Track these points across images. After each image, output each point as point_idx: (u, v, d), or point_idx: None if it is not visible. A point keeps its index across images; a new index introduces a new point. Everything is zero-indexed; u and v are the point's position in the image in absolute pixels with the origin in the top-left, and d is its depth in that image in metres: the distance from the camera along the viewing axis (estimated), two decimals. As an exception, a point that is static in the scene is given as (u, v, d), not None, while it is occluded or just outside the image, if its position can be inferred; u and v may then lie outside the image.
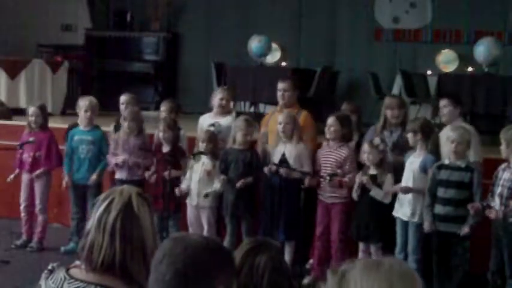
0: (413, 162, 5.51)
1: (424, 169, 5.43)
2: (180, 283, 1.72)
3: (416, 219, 5.44)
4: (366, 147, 5.65)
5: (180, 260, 1.74)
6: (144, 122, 6.82)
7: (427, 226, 5.34)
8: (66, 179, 6.75)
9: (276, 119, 6.50)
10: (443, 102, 5.97)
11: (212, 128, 6.49)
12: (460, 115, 6.06)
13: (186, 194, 6.25)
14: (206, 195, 6.08)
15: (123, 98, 7.09)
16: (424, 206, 5.39)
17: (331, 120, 5.93)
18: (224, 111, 6.68)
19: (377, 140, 5.66)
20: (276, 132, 6.11)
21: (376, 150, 5.59)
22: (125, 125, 6.51)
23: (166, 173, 6.08)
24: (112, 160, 6.53)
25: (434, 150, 5.51)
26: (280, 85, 6.53)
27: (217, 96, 6.74)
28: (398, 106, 5.97)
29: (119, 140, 6.55)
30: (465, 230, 5.20)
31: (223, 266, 1.80)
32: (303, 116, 6.39)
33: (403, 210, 5.51)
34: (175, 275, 1.72)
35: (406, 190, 5.48)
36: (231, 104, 6.86)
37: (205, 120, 6.73)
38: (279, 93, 6.51)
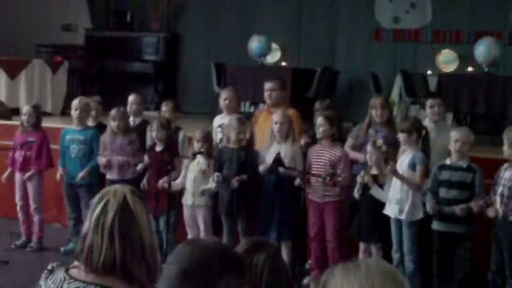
0: (403, 161, 5.52)
1: (412, 166, 5.43)
2: (183, 281, 1.73)
3: (404, 216, 5.43)
4: (368, 147, 5.65)
5: (186, 260, 1.76)
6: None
7: (429, 208, 5.34)
8: (60, 171, 6.75)
9: (264, 118, 6.56)
10: (436, 102, 6.04)
11: (219, 129, 6.52)
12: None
13: (181, 193, 6.24)
14: (202, 193, 6.08)
15: (131, 98, 7.10)
16: (427, 193, 5.38)
17: (320, 119, 5.94)
18: (230, 111, 6.69)
19: (380, 141, 5.67)
20: (266, 132, 6.14)
21: (379, 151, 5.59)
22: (113, 124, 6.50)
23: (162, 180, 6.12)
24: (100, 159, 6.54)
25: (425, 149, 5.53)
26: (267, 85, 6.67)
27: (221, 97, 6.79)
28: (381, 106, 6.03)
29: (106, 140, 6.55)
30: (462, 206, 5.19)
31: (230, 270, 1.79)
32: (291, 114, 6.43)
33: (391, 207, 5.51)
34: (180, 273, 1.74)
35: (395, 173, 5.46)
36: (236, 103, 6.86)
37: (216, 121, 6.79)
38: (266, 93, 6.65)
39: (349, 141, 6.13)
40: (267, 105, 6.74)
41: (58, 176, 6.79)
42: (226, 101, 6.70)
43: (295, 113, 6.52)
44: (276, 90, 6.62)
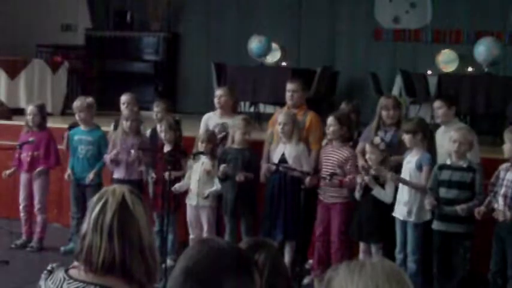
0: (409, 162, 5.52)
1: (419, 167, 5.43)
2: (186, 280, 1.71)
3: (413, 218, 5.43)
4: (367, 147, 5.64)
5: (191, 258, 1.74)
6: (144, 122, 6.87)
7: (427, 203, 5.33)
8: (68, 172, 6.76)
9: None
10: (437, 104, 5.99)
11: (220, 128, 6.49)
12: (454, 115, 6.09)
13: (185, 194, 6.24)
14: (207, 197, 6.08)
15: (124, 98, 7.10)
16: (427, 190, 5.38)
17: (330, 120, 5.93)
18: (228, 111, 6.66)
19: (377, 140, 5.66)
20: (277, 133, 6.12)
21: (378, 149, 5.59)
22: (126, 124, 6.51)
23: (166, 174, 6.07)
24: (107, 157, 6.52)
25: (431, 149, 5.52)
26: (290, 86, 6.52)
27: (215, 95, 6.76)
28: (393, 107, 5.97)
29: (116, 140, 6.55)
30: (463, 207, 5.19)
31: (236, 274, 1.75)
32: (310, 117, 6.40)
33: (400, 209, 5.51)
34: (184, 271, 1.72)
35: (399, 180, 5.46)
36: (231, 102, 6.81)
37: (212, 120, 6.72)
38: (288, 94, 6.48)
39: (359, 145, 6.05)
40: (287, 106, 6.62)
41: (66, 176, 6.80)
42: (221, 99, 6.64)
43: (316, 116, 6.45)
44: (298, 91, 6.48)
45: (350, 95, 10.82)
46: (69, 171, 6.77)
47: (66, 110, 9.96)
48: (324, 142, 6.21)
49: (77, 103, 6.78)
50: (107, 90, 10.67)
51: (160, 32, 12.19)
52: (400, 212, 5.51)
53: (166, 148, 6.40)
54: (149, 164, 6.47)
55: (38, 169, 6.80)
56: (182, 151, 6.44)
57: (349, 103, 6.74)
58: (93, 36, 12.33)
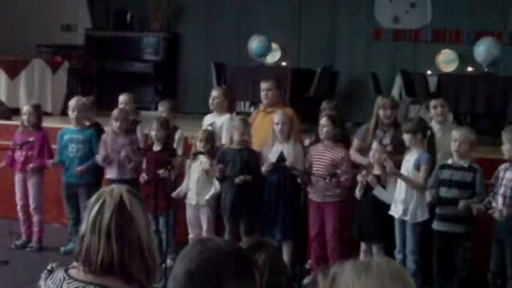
0: (408, 161, 5.51)
1: (417, 166, 5.42)
2: (189, 283, 1.71)
3: (408, 217, 5.41)
4: (374, 144, 5.62)
5: (194, 261, 1.73)
6: (142, 122, 6.88)
7: (428, 197, 5.33)
8: (53, 161, 6.72)
9: (262, 118, 6.57)
10: (440, 102, 6.01)
11: (210, 128, 6.52)
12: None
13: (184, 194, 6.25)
14: (208, 202, 6.10)
15: (121, 98, 7.11)
16: (428, 188, 5.39)
17: (323, 120, 5.94)
18: (219, 110, 6.70)
19: (387, 140, 5.66)
20: (263, 132, 6.15)
21: (384, 150, 5.58)
22: (115, 124, 6.49)
23: (161, 171, 6.04)
24: (98, 158, 6.51)
25: (431, 149, 5.52)
26: (263, 85, 6.67)
27: (210, 96, 6.79)
28: (391, 106, 5.97)
29: (107, 140, 6.54)
30: (463, 202, 5.19)
31: (238, 275, 1.75)
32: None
33: (396, 208, 5.50)
34: (186, 274, 1.72)
35: (398, 174, 5.46)
36: (226, 103, 6.82)
37: (207, 120, 6.81)
38: (262, 93, 6.66)
39: (356, 143, 6.06)
40: (263, 105, 6.73)
41: (49, 164, 6.73)
42: (215, 100, 6.71)
43: (293, 113, 6.51)
44: (272, 89, 6.62)
45: (350, 95, 10.86)
46: (54, 160, 6.73)
47: (66, 110, 9.93)
48: (307, 141, 6.21)
49: (71, 102, 6.79)
50: (107, 90, 10.65)
51: (160, 32, 12.19)
52: (396, 211, 5.50)
53: (156, 147, 6.39)
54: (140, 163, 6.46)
55: (31, 165, 6.77)
56: (172, 150, 6.40)
57: (330, 102, 6.77)
58: (93, 36, 12.33)
